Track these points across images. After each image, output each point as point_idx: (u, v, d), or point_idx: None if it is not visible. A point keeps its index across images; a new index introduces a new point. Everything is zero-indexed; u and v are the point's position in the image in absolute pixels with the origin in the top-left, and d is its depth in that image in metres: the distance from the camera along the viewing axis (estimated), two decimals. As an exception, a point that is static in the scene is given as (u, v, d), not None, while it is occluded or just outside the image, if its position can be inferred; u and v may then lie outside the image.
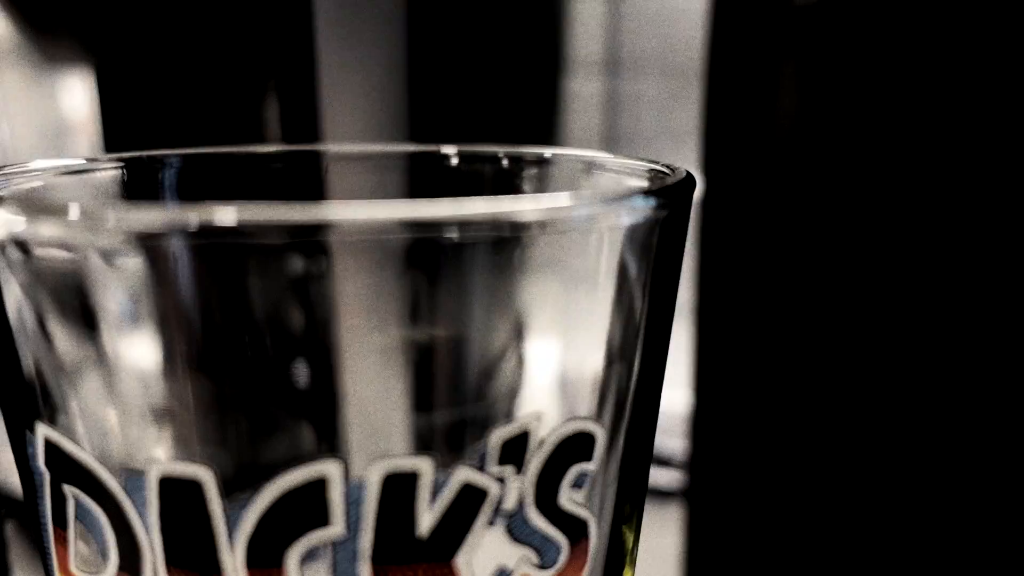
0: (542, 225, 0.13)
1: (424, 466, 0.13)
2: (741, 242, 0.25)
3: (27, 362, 0.13)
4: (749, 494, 0.28)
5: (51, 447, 0.13)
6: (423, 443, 0.13)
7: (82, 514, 0.14)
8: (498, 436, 0.13)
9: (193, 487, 0.12)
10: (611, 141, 0.52)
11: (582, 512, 0.14)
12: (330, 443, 0.12)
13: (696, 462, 0.29)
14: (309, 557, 0.13)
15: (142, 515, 0.13)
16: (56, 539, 0.14)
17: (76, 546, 0.14)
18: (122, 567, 0.13)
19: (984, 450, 0.23)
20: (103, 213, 0.12)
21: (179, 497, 0.13)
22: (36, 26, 0.38)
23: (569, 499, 0.14)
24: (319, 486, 0.12)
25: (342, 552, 0.13)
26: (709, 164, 0.26)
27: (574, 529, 0.14)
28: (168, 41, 0.38)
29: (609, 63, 0.48)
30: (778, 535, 0.27)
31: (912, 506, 0.24)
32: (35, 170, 0.17)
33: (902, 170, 0.22)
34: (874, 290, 0.23)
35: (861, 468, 0.25)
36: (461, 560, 0.13)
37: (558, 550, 0.14)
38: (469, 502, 0.13)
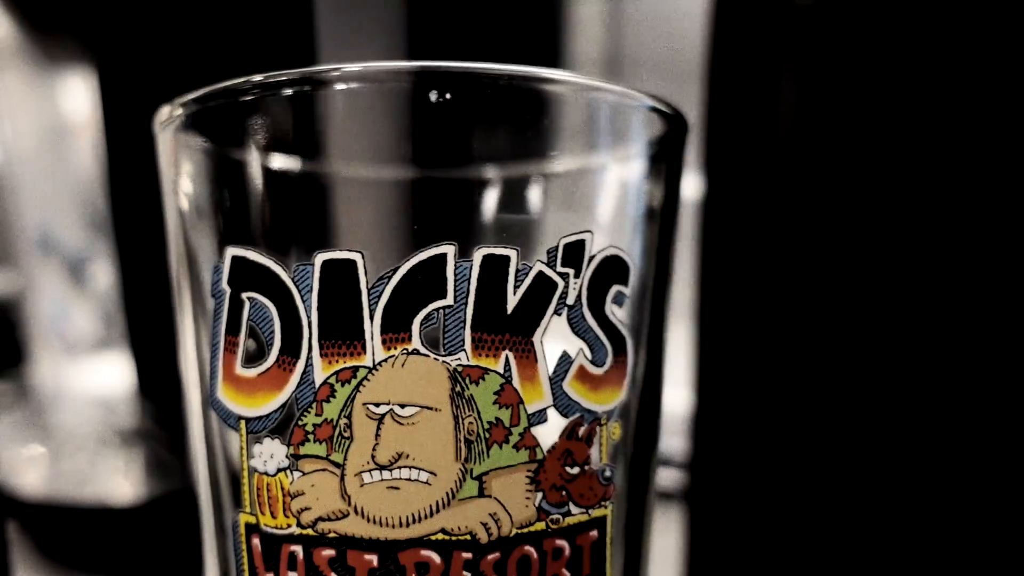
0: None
1: (512, 254, 0.18)
2: (742, 242, 0.25)
3: (214, 199, 0.19)
4: (749, 494, 0.28)
5: (237, 261, 0.18)
6: (511, 241, 0.18)
7: (254, 313, 0.18)
8: (564, 241, 0.18)
9: (348, 265, 0.17)
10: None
11: (622, 327, 0.19)
12: (447, 232, 0.17)
13: (696, 462, 0.30)
14: (426, 322, 0.17)
15: (304, 299, 0.18)
16: (226, 348, 0.19)
17: (244, 345, 0.18)
18: (283, 350, 0.18)
19: (984, 450, 0.23)
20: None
21: (335, 276, 0.17)
22: (37, 26, 0.39)
23: (612, 312, 0.19)
24: (440, 261, 0.17)
25: (451, 319, 0.17)
26: (710, 163, 0.27)
27: (617, 340, 0.19)
28: (168, 40, 0.38)
29: (609, 63, 0.49)
30: (778, 535, 0.28)
31: (912, 505, 0.24)
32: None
33: (903, 169, 0.22)
34: (875, 290, 0.23)
35: (861, 467, 0.25)
36: (537, 337, 0.18)
37: (605, 353, 0.19)
38: (543, 290, 0.18)
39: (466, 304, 0.18)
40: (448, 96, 0.18)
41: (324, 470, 0.18)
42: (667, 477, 0.44)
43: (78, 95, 0.40)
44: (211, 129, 0.19)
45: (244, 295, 0.18)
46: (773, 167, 0.24)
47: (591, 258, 0.19)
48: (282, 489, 0.18)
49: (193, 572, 0.34)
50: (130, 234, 0.38)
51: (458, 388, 0.18)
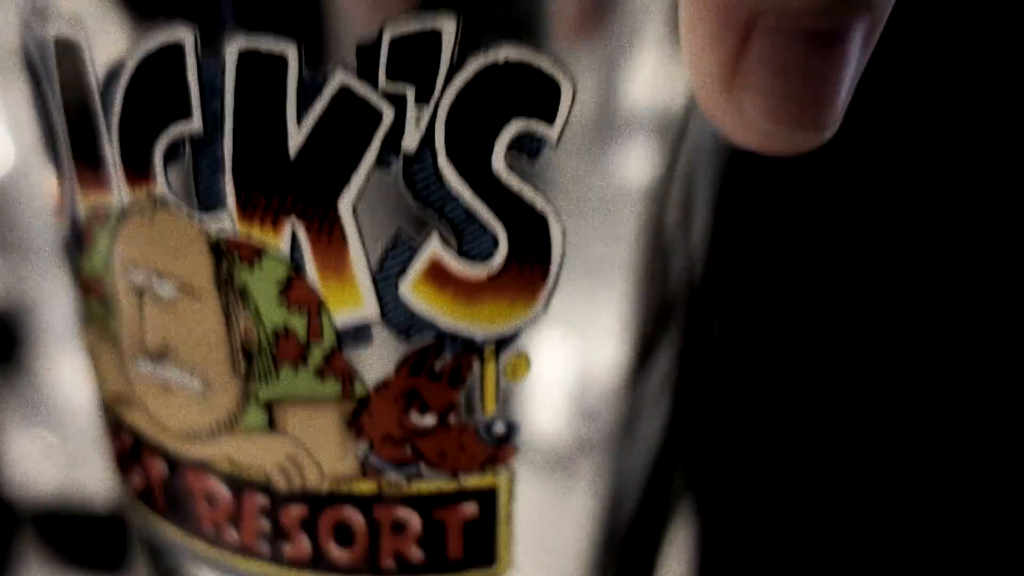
0: None
1: (291, 51, 0.10)
2: (743, 243, 0.23)
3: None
4: (750, 494, 0.27)
5: None
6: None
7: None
8: (392, 32, 0.09)
9: (71, 46, 0.11)
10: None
11: (534, 195, 0.10)
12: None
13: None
14: (174, 157, 0.11)
15: (49, 80, 0.12)
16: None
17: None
18: (47, 148, 0.13)
19: (984, 451, 0.23)
20: None
21: (66, 56, 0.11)
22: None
23: (505, 168, 0.10)
24: (175, 56, 0.10)
25: (203, 155, 0.10)
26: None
27: (517, 217, 0.10)
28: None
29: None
30: (779, 535, 0.26)
31: (913, 506, 0.24)
32: None
33: (903, 170, 0.22)
34: (875, 290, 0.23)
35: (861, 468, 0.24)
36: (345, 203, 0.10)
37: (489, 241, 0.10)
38: (354, 121, 0.10)
39: (220, 134, 0.10)
40: None
41: (103, 338, 0.13)
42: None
43: None
44: None
45: (27, 76, 0.13)
46: (774, 170, 0.21)
47: (455, 67, 0.10)
48: (88, 344, 0.14)
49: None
50: None
51: (224, 268, 0.11)
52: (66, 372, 0.40)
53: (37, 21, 0.11)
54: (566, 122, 0.10)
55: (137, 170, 0.11)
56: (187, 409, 0.12)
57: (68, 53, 0.11)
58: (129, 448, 0.14)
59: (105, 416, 0.14)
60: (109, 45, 0.11)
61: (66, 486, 0.36)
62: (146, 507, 0.14)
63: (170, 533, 0.13)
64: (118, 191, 0.11)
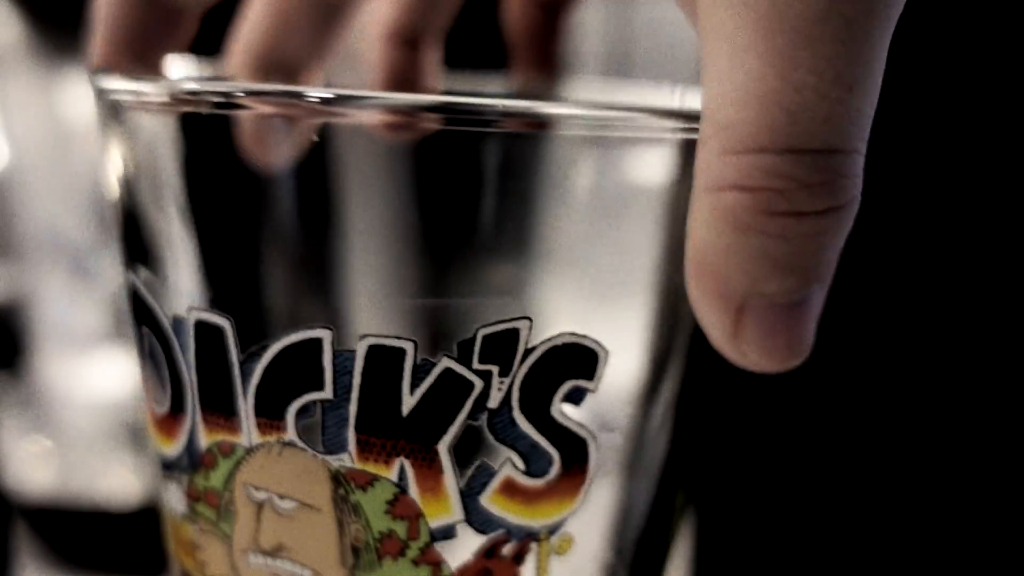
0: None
1: (408, 347, 0.13)
2: None
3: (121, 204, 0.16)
4: (749, 496, 0.27)
5: (132, 290, 0.16)
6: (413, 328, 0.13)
7: (151, 348, 0.16)
8: (482, 332, 0.13)
9: (216, 332, 0.14)
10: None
11: (579, 429, 0.14)
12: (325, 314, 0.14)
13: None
14: (304, 414, 0.14)
15: (185, 355, 0.15)
16: (142, 371, 0.17)
17: (151, 379, 0.16)
18: (173, 401, 0.16)
19: (984, 453, 0.23)
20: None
21: (208, 341, 0.14)
22: (43, 26, 0.37)
23: (560, 412, 0.14)
24: (314, 347, 0.13)
25: (332, 416, 0.14)
26: None
27: (569, 445, 0.14)
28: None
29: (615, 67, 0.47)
30: (778, 536, 0.27)
31: (912, 507, 0.24)
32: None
33: (905, 170, 0.22)
34: (875, 291, 0.23)
35: (861, 469, 0.25)
36: (443, 446, 0.14)
37: (548, 462, 0.14)
38: (451, 391, 0.14)
39: (347, 401, 0.14)
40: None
41: (215, 534, 0.16)
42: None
43: (84, 94, 0.36)
44: (131, 124, 0.16)
45: (143, 327, 0.16)
46: None
47: (529, 351, 0.14)
48: (188, 536, 0.17)
49: None
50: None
51: (341, 491, 0.14)
52: (62, 375, 0.40)
53: (179, 306, 0.15)
54: (601, 376, 0.14)
55: (270, 422, 0.14)
56: (298, 593, 0.15)
57: (209, 332, 0.14)
58: (228, 620, 0.16)
59: None
60: (254, 333, 0.14)
61: (61, 486, 0.36)
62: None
63: None
64: (248, 435, 0.15)
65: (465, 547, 0.15)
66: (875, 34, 0.12)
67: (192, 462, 0.16)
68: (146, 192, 0.15)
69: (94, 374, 0.37)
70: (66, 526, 0.35)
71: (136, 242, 0.16)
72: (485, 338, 0.13)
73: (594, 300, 0.14)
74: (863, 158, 0.12)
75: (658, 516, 0.17)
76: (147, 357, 0.16)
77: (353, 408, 0.14)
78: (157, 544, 0.34)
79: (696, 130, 0.12)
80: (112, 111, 0.16)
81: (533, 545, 0.15)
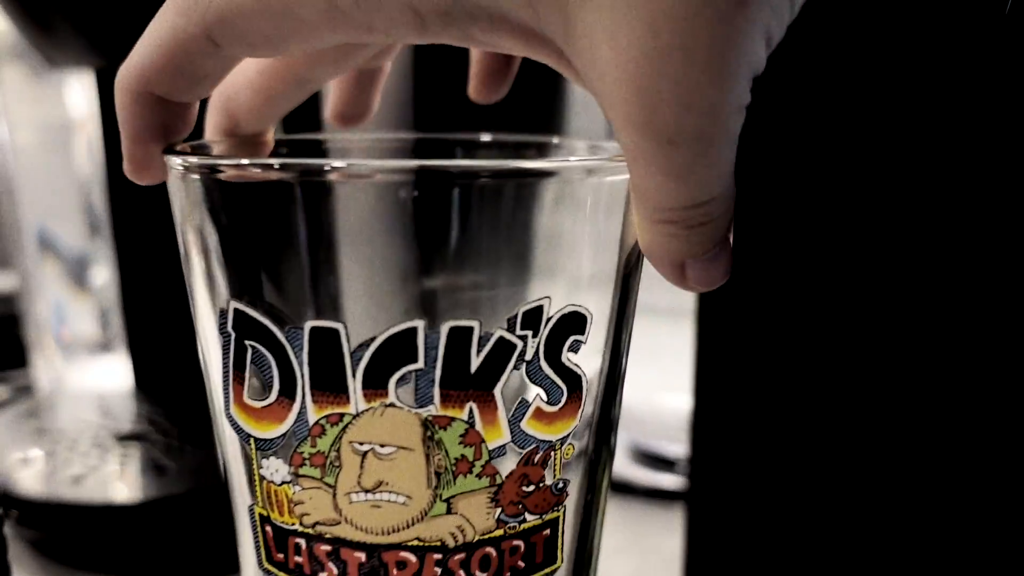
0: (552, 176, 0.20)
1: (475, 325, 0.20)
2: (742, 243, 0.24)
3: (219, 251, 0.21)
4: (749, 496, 0.28)
5: (239, 314, 0.21)
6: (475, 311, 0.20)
7: (256, 358, 0.21)
8: (522, 309, 0.20)
9: (332, 334, 0.20)
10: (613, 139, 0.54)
11: (578, 369, 0.22)
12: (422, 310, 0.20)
13: (696, 464, 0.30)
14: (401, 382, 0.20)
15: (297, 355, 0.20)
16: (235, 379, 0.22)
17: (250, 381, 0.21)
18: (281, 392, 0.21)
19: (984, 452, 0.23)
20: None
21: (322, 341, 0.20)
22: (37, 25, 0.37)
23: (567, 358, 0.21)
24: (411, 333, 0.20)
25: (423, 380, 0.20)
26: None
27: (572, 381, 0.22)
28: None
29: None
30: (778, 536, 0.28)
31: (912, 507, 0.25)
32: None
33: (905, 171, 0.22)
34: (875, 292, 0.24)
35: (861, 468, 0.25)
36: (497, 390, 0.21)
37: (561, 393, 0.22)
38: (503, 352, 0.20)
39: (435, 368, 0.20)
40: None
41: (319, 488, 0.22)
42: (668, 479, 0.47)
43: (78, 95, 0.39)
44: (217, 188, 0.21)
45: (247, 342, 0.21)
46: (772, 169, 0.24)
47: (549, 319, 0.21)
48: (287, 496, 0.22)
49: (189, 574, 0.36)
50: (129, 235, 0.39)
51: (428, 433, 0.21)
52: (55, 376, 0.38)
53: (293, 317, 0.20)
54: (589, 332, 0.21)
55: (374, 391, 0.20)
56: (392, 515, 0.21)
57: (325, 334, 0.20)
58: (326, 554, 0.22)
59: (304, 539, 0.22)
60: (364, 330, 0.20)
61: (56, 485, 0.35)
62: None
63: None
64: (355, 404, 0.20)
65: (511, 460, 0.22)
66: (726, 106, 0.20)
67: (300, 436, 0.21)
68: (241, 242, 0.21)
69: (87, 375, 0.37)
70: (57, 526, 0.36)
71: (238, 279, 0.21)
72: (524, 313, 0.20)
73: (581, 283, 0.21)
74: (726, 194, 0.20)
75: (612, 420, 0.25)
76: (249, 365, 0.21)
77: (438, 372, 0.20)
78: (148, 546, 0.35)
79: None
80: (199, 182, 0.21)
81: (552, 452, 0.22)
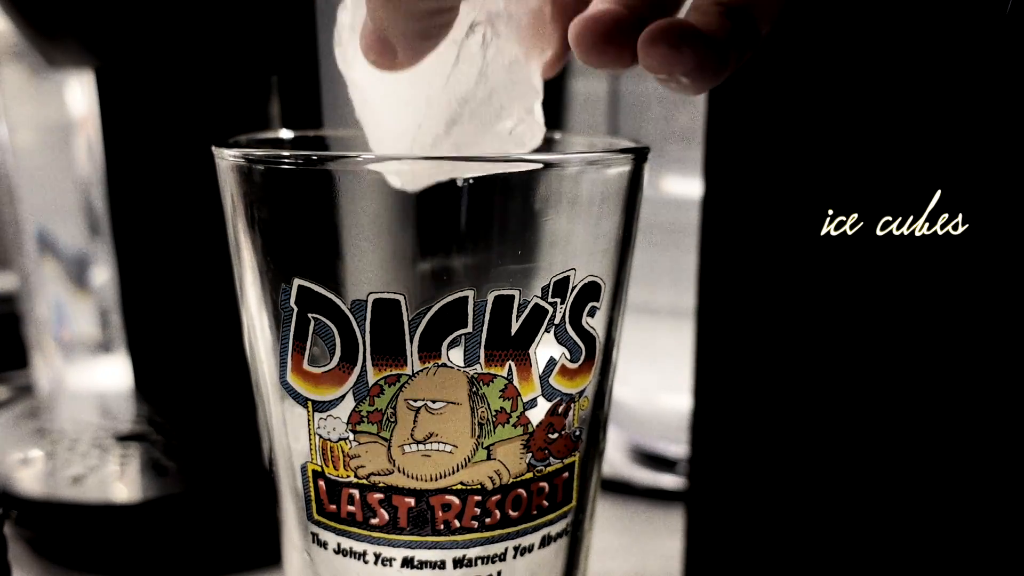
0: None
1: (516, 293, 0.23)
2: (742, 244, 0.25)
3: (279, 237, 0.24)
4: (749, 496, 0.28)
5: (303, 290, 0.24)
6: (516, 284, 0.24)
7: (319, 328, 0.24)
8: (554, 279, 0.24)
9: (393, 304, 0.23)
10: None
11: (594, 331, 0.25)
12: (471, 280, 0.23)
13: (696, 464, 0.31)
14: (452, 344, 0.23)
15: (360, 325, 0.23)
16: (294, 349, 0.24)
17: (311, 350, 0.24)
18: (343, 359, 0.24)
19: (984, 452, 0.23)
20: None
21: (383, 311, 0.23)
22: (37, 27, 0.37)
23: (587, 322, 0.25)
24: (463, 301, 0.23)
25: (471, 342, 0.23)
26: (710, 165, 0.27)
27: (589, 342, 0.25)
28: (168, 40, 0.37)
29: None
30: (778, 536, 0.28)
31: (911, 508, 0.24)
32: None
33: (906, 172, 0.22)
34: (875, 292, 0.23)
35: (860, 469, 0.25)
36: (532, 349, 0.24)
37: (580, 352, 0.25)
38: (538, 316, 0.24)
39: (482, 331, 0.24)
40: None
41: (375, 442, 0.25)
42: (668, 479, 0.47)
43: (78, 95, 0.39)
44: (279, 178, 0.24)
45: (310, 315, 0.24)
46: (772, 169, 0.25)
47: (573, 288, 0.24)
48: (343, 451, 0.25)
49: (189, 574, 0.37)
50: (129, 235, 0.39)
51: (474, 389, 0.24)
52: (54, 376, 0.37)
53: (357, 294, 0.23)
54: (603, 298, 0.25)
55: (429, 354, 0.23)
56: (440, 462, 0.24)
57: (386, 304, 0.23)
58: (379, 501, 0.25)
59: (358, 489, 0.25)
60: (419, 299, 0.23)
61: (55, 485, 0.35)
62: (392, 533, 0.25)
63: (412, 542, 0.25)
64: (412, 366, 0.23)
65: (540, 411, 0.25)
66: None
67: (359, 396, 0.24)
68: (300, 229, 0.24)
69: (87, 376, 0.37)
70: (57, 526, 0.35)
71: (299, 259, 0.24)
72: (555, 282, 0.24)
73: (596, 256, 0.25)
74: None
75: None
76: (311, 335, 0.24)
77: (484, 335, 0.23)
78: (148, 546, 0.35)
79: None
80: (262, 173, 0.24)
81: (572, 404, 0.26)
